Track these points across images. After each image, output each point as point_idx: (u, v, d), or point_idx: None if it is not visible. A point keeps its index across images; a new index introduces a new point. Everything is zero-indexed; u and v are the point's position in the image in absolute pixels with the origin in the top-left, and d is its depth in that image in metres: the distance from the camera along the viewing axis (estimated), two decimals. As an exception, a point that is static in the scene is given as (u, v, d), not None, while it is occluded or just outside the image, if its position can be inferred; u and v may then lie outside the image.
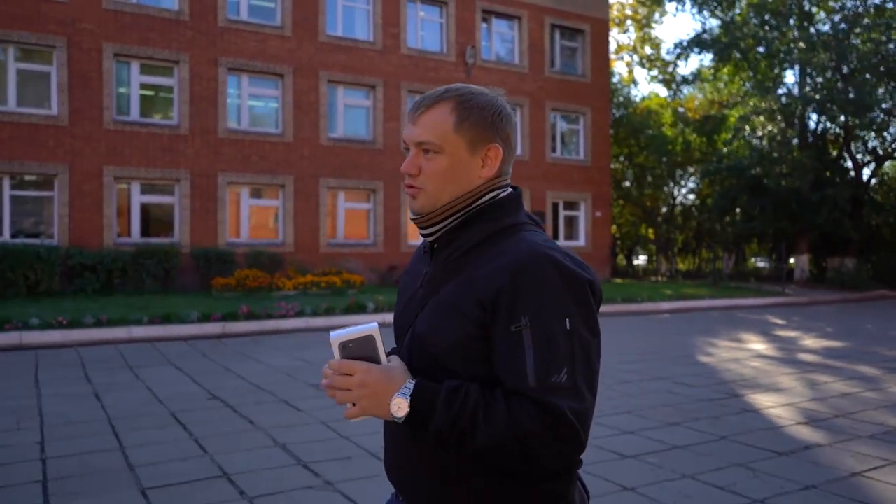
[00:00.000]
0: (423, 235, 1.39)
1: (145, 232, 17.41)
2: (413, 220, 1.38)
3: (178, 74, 17.67)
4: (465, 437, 1.18)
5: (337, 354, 1.22)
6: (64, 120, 16.35)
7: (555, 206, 23.74)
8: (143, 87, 17.59)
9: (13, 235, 15.94)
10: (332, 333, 1.24)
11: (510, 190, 1.39)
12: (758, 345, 10.68)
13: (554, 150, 23.82)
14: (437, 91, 1.34)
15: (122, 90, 17.31)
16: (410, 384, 1.20)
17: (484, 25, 22.56)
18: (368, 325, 1.24)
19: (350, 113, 20.34)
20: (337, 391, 1.21)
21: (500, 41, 23.16)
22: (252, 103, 19.00)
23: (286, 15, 19.04)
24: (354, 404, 1.21)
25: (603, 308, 15.36)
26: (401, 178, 20.09)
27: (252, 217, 18.90)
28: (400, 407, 1.19)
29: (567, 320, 1.20)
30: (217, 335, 11.08)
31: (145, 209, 17.59)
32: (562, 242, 23.65)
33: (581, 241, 24.19)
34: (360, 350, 1.22)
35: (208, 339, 10.77)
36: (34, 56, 16.38)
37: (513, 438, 1.16)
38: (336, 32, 19.94)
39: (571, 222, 24.37)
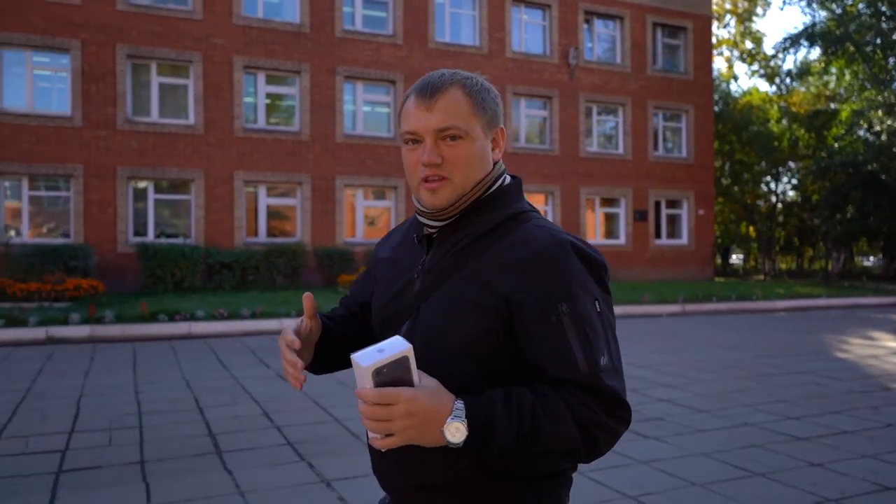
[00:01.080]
0: (429, 227, 1.31)
1: (270, 232, 18.58)
2: (428, 214, 1.29)
3: (300, 83, 18.77)
4: (527, 445, 1.11)
5: (369, 382, 1.06)
6: (200, 129, 17.68)
7: (657, 205, 23.71)
8: (269, 96, 18.77)
9: (156, 236, 17.37)
10: (359, 357, 1.08)
11: (510, 177, 1.34)
12: (892, 343, 10.61)
13: (656, 148, 23.79)
14: (441, 77, 1.26)
15: (248, 100, 18.53)
16: (460, 404, 1.10)
17: (585, 26, 22.79)
18: (396, 343, 1.09)
19: (457, 116, 20.99)
20: (376, 423, 1.07)
21: (601, 42, 23.33)
22: (366, 109, 19.93)
23: (398, 24, 19.87)
24: (391, 433, 1.08)
25: (719, 306, 15.50)
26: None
27: (366, 218, 19.83)
28: (457, 432, 1.08)
29: (596, 302, 1.20)
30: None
31: (270, 211, 18.76)
32: (664, 242, 23.65)
33: (684, 240, 24.06)
34: (393, 373, 1.07)
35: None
36: (173, 71, 17.78)
37: (576, 430, 1.13)
38: (444, 39, 20.65)
39: (673, 221, 24.26)
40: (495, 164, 1.31)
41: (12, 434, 5.13)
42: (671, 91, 23.85)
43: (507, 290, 1.17)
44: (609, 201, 23.05)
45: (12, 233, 16.19)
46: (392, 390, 1.05)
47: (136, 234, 17.26)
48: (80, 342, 10.02)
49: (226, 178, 17.89)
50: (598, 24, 23.12)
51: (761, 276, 28.80)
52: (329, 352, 1.41)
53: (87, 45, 16.71)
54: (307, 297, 1.31)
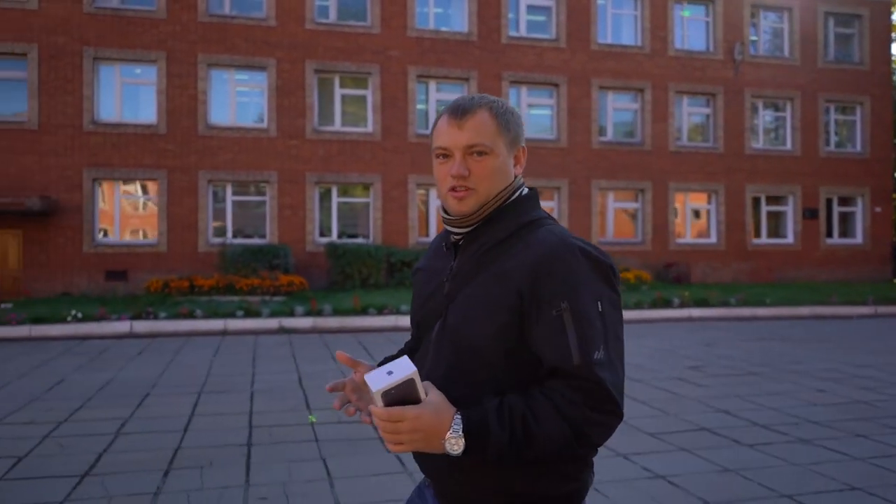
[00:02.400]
0: (455, 234, 1.46)
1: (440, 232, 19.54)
2: (454, 221, 1.43)
3: (468, 90, 19.60)
4: (522, 448, 1.24)
5: (379, 403, 1.21)
6: (377, 136, 18.93)
7: (828, 203, 22.67)
8: (439, 102, 19.75)
9: (339, 236, 18.79)
10: (370, 380, 1.22)
11: (528, 189, 1.49)
12: None
13: (827, 143, 22.74)
14: (471, 100, 1.42)
15: (420, 107, 19.59)
16: (458, 419, 1.23)
17: (751, 20, 22.17)
18: (403, 366, 1.23)
19: (619, 116, 21.13)
20: (387, 434, 1.22)
21: (767, 35, 22.60)
22: (531, 112, 20.49)
23: (561, 28, 20.28)
24: (400, 442, 1.23)
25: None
26: (669, 178, 20.56)
27: (530, 218, 20.36)
28: (455, 445, 1.22)
29: (598, 302, 1.30)
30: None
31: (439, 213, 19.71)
32: (836, 240, 22.59)
33: (858, 239, 22.86)
34: (401, 393, 1.21)
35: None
36: (354, 83, 19.13)
37: (566, 428, 1.24)
38: (606, 40, 20.82)
39: (846, 219, 23.08)
40: (516, 177, 1.45)
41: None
42: (844, 82, 22.71)
43: (521, 288, 1.30)
44: (775, 199, 22.30)
45: (229, 234, 18.07)
46: (398, 410, 1.20)
47: (321, 234, 18.75)
48: (305, 332, 11.23)
49: (401, 181, 19.04)
50: (765, 17, 22.42)
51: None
52: None
53: (280, 63, 18.35)
54: (340, 356, 1.47)
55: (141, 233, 17.98)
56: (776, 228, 22.41)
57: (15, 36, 16.91)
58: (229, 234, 18.19)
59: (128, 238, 17.81)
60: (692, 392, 6.82)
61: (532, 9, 20.41)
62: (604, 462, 4.37)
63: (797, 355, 9.09)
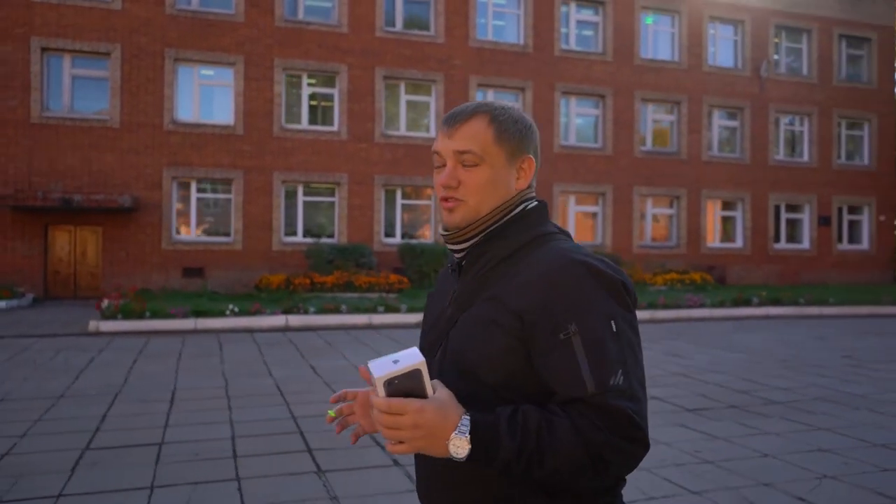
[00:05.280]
0: (454, 252, 1.35)
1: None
2: (446, 235, 1.33)
3: (524, 99, 20.60)
4: (533, 463, 1.11)
5: (381, 392, 1.08)
6: (441, 141, 19.73)
7: (839, 211, 24.45)
8: (496, 111, 20.67)
9: (402, 236, 19.54)
10: (373, 367, 1.10)
11: (536, 202, 1.35)
12: None
13: (839, 156, 24.53)
14: (470, 106, 1.31)
15: (478, 114, 20.46)
16: (466, 420, 1.10)
17: (775, 40, 23.78)
18: (411, 355, 1.10)
19: (657, 127, 22.44)
20: (387, 430, 1.10)
21: (788, 54, 24.26)
22: (579, 121, 21.61)
23: (608, 43, 21.46)
24: (401, 441, 1.10)
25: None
26: (701, 185, 21.94)
27: (577, 223, 21.49)
28: (460, 447, 1.09)
29: (612, 322, 1.17)
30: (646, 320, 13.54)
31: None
32: (846, 246, 24.36)
33: (864, 245, 24.70)
34: (405, 385, 1.08)
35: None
36: (417, 89, 19.91)
37: (582, 451, 1.10)
38: (648, 56, 22.09)
39: (854, 226, 24.91)
40: (520, 191, 1.31)
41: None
42: (854, 100, 24.54)
43: (521, 309, 1.18)
44: (793, 207, 23.95)
45: (299, 234, 18.62)
46: (400, 401, 1.07)
47: (387, 234, 19.47)
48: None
49: (461, 185, 19.87)
50: (787, 38, 24.06)
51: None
52: None
53: (352, 69, 19.01)
54: (362, 371, 1.23)
55: (217, 231, 18.36)
56: (793, 234, 24.06)
57: (99, 35, 17.17)
58: (300, 233, 18.75)
59: (204, 236, 18.19)
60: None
61: (581, 24, 21.55)
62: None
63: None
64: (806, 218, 23.97)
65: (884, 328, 13.07)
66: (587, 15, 21.64)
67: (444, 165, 1.29)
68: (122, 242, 17.33)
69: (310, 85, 19.02)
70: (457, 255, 1.35)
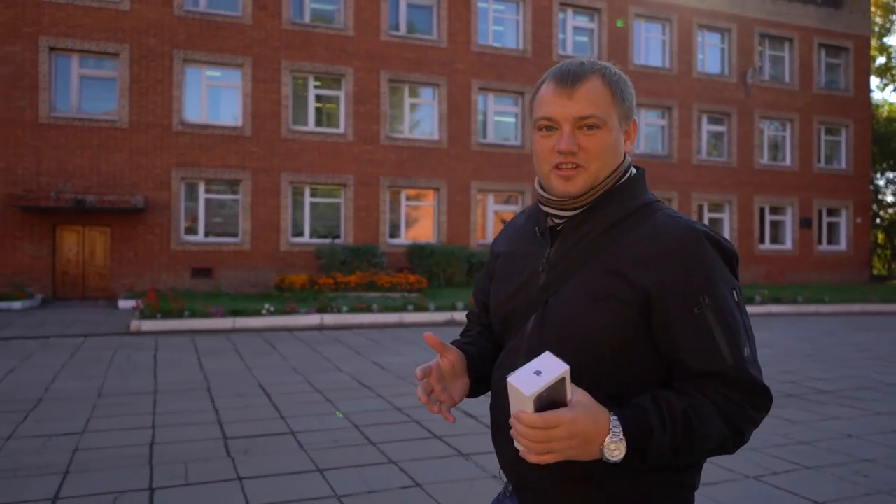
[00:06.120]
0: (556, 218, 1.27)
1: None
2: (557, 202, 1.25)
3: (522, 104, 21.09)
4: (682, 450, 1.11)
5: (529, 407, 1.03)
6: (444, 143, 20.12)
7: (819, 213, 25.47)
8: (497, 114, 21.14)
9: (406, 237, 19.85)
10: (517, 383, 1.04)
11: (636, 168, 1.31)
12: None
13: (819, 160, 25.56)
14: (579, 64, 1.24)
15: (479, 118, 20.91)
16: (616, 421, 1.07)
17: (759, 48, 24.69)
18: (550, 363, 1.05)
19: (649, 131, 23.15)
20: (534, 444, 1.04)
21: (773, 62, 25.19)
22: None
23: (603, 49, 22.07)
24: (549, 452, 1.05)
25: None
26: (692, 188, 22.64)
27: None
28: (616, 450, 1.07)
29: (734, 292, 1.18)
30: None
31: (496, 216, 21.13)
32: (825, 247, 25.40)
33: (842, 246, 25.77)
34: (551, 395, 1.04)
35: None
36: (421, 92, 20.25)
37: (725, 428, 1.13)
38: (641, 61, 22.78)
39: (832, 228, 25.96)
40: (625, 155, 1.28)
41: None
42: (833, 107, 25.60)
43: (648, 283, 1.15)
44: (777, 209, 24.89)
45: (306, 234, 18.82)
46: (552, 415, 1.03)
47: (391, 235, 19.76)
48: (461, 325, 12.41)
49: (463, 186, 20.31)
50: (771, 46, 24.99)
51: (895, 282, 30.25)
52: (481, 375, 1.38)
53: (357, 72, 19.27)
54: (428, 338, 1.26)
55: (225, 232, 18.43)
56: (777, 236, 24.99)
57: (107, 36, 17.14)
58: (307, 234, 18.94)
59: (213, 237, 18.26)
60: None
61: (577, 30, 22.13)
62: None
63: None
64: (788, 220, 24.92)
65: (879, 325, 13.83)
66: (583, 21, 22.22)
67: (552, 129, 1.22)
68: (131, 243, 17.33)
69: (316, 87, 19.22)
70: (554, 220, 1.28)
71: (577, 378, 1.10)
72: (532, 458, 1.06)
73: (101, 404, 6.10)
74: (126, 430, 5.21)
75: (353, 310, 12.50)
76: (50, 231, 16.82)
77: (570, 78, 1.21)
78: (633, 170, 1.30)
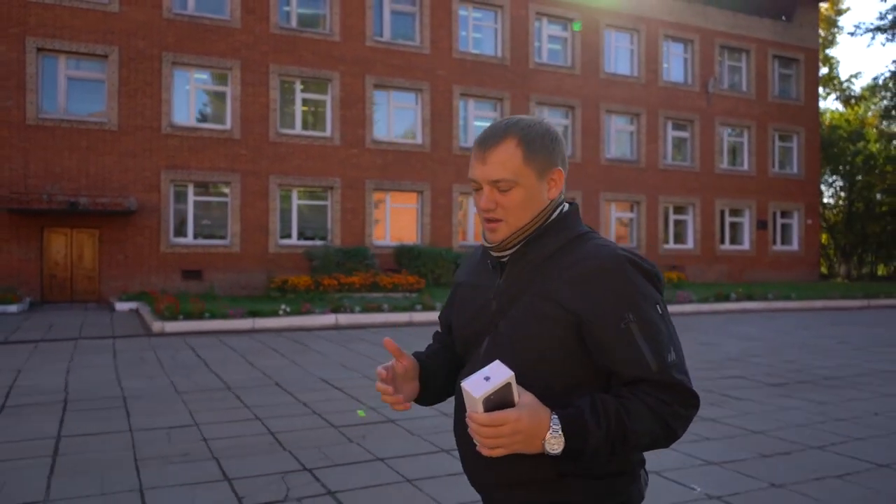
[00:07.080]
0: (497, 257, 1.46)
1: (477, 237, 21.58)
2: (491, 247, 1.44)
3: (501, 108, 21.79)
4: (617, 444, 1.27)
5: (480, 408, 1.20)
6: (427, 147, 20.65)
7: (773, 216, 26.98)
8: (477, 118, 21.77)
9: (393, 239, 20.30)
10: (469, 386, 1.21)
11: (569, 204, 1.48)
12: None
13: (773, 165, 27.07)
14: (499, 128, 1.40)
15: (460, 123, 21.51)
16: (556, 418, 1.24)
17: (719, 59, 26.03)
18: (498, 369, 1.22)
19: (619, 137, 24.16)
20: (486, 439, 1.22)
21: (731, 72, 26.57)
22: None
23: (577, 58, 22.96)
24: (499, 447, 1.23)
25: (886, 301, 18.64)
26: (659, 192, 23.78)
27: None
28: (555, 444, 1.23)
29: (657, 306, 1.34)
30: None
31: (476, 218, 21.76)
32: (779, 247, 26.92)
33: (794, 246, 27.35)
34: (499, 397, 1.21)
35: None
36: (405, 97, 20.73)
37: (655, 424, 1.28)
38: (612, 70, 23.77)
39: (785, 230, 27.53)
40: (552, 200, 1.42)
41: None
42: (785, 115, 27.16)
43: (577, 305, 1.32)
44: (735, 212, 26.27)
45: (294, 236, 19.06)
46: (500, 415, 1.20)
47: (377, 237, 20.18)
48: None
49: (446, 189, 20.87)
50: (730, 57, 26.36)
51: (838, 279, 32.19)
52: (430, 385, 1.56)
53: (343, 77, 19.63)
54: (387, 343, 1.47)
55: (214, 234, 18.53)
56: (735, 237, 26.37)
57: (96, 37, 17.08)
58: (294, 236, 19.20)
59: (202, 239, 18.34)
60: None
61: (552, 38, 22.95)
62: None
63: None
64: (746, 222, 26.32)
65: (844, 319, 15.00)
66: (556, 30, 23.06)
67: (479, 189, 1.40)
68: (120, 245, 17.29)
69: (303, 91, 19.49)
70: (502, 258, 1.45)
71: (526, 387, 1.26)
72: (485, 452, 1.24)
73: (188, 400, 6.44)
74: (237, 423, 5.59)
75: (366, 310, 12.94)
76: (38, 233, 16.66)
77: (486, 144, 1.39)
78: (566, 205, 1.47)
